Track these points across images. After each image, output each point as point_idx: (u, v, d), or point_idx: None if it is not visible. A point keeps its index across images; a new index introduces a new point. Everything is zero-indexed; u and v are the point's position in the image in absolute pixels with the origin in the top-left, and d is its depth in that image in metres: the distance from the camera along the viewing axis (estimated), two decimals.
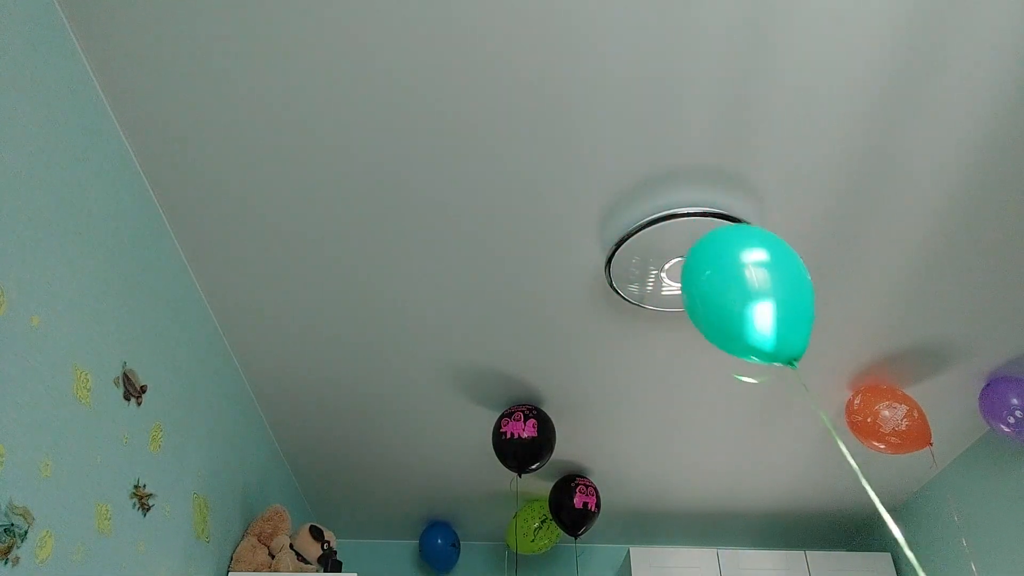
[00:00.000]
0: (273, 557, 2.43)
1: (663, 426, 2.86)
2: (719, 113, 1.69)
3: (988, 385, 2.55)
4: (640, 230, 1.92)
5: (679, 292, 2.13)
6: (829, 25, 1.53)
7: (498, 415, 2.77)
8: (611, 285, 2.11)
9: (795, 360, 1.42)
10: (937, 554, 3.14)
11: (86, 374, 1.58)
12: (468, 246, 2.06)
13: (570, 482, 3.08)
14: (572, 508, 3.01)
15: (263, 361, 2.50)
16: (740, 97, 1.66)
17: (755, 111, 1.69)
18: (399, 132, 1.74)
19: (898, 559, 3.40)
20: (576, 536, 3.05)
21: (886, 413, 2.45)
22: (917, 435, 2.43)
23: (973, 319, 2.31)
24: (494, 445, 2.64)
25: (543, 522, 3.31)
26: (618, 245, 1.97)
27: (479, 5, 1.49)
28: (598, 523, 3.60)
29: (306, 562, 2.49)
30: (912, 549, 3.31)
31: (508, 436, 2.59)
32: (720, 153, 1.78)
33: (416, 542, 3.73)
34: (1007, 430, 2.46)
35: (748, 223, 1.91)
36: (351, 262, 2.10)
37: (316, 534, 2.52)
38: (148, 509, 1.85)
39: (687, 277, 1.60)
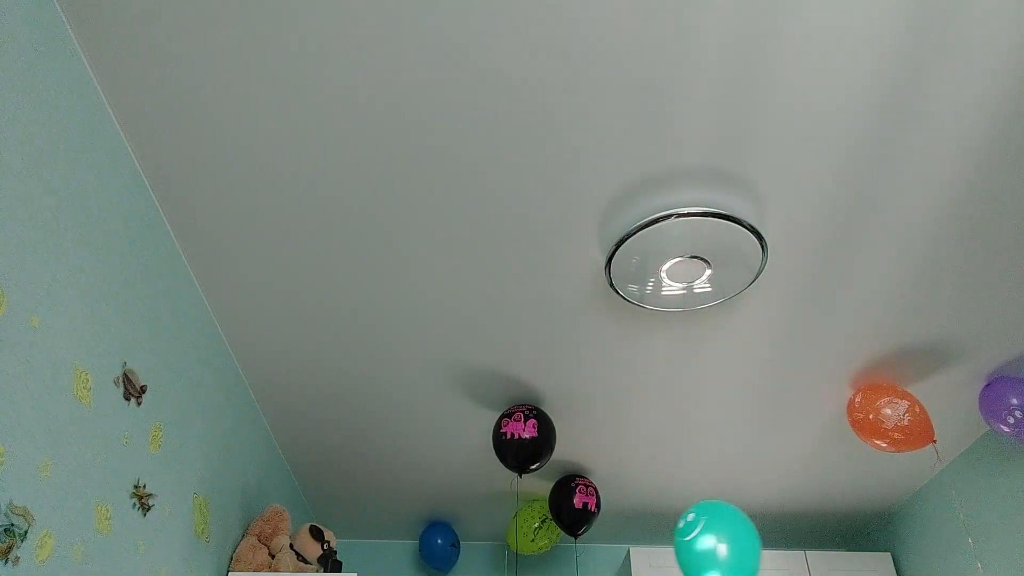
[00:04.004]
0: (273, 557, 2.43)
1: (663, 426, 2.86)
2: (719, 113, 1.69)
3: (988, 385, 2.55)
4: (640, 230, 1.92)
5: (679, 292, 2.13)
6: (830, 25, 1.53)
7: (498, 415, 2.77)
8: (611, 285, 2.11)
9: None
10: (941, 553, 3.14)
11: (86, 374, 1.58)
12: (468, 247, 2.06)
13: (570, 482, 3.08)
14: (572, 508, 3.01)
15: (263, 361, 2.50)
16: (740, 97, 1.66)
17: (755, 111, 1.69)
18: (399, 134, 1.74)
19: (898, 559, 3.39)
20: (576, 536, 3.05)
21: (887, 411, 2.45)
22: (920, 431, 2.43)
23: (973, 319, 2.31)
24: (494, 445, 2.64)
25: (543, 522, 3.31)
26: (618, 245, 1.97)
27: (483, 10, 1.49)
28: (598, 523, 3.60)
29: (306, 562, 2.49)
30: (915, 548, 3.31)
31: (508, 436, 2.59)
32: (720, 153, 1.78)
33: (416, 542, 3.73)
34: (1007, 430, 2.46)
35: (748, 222, 1.91)
36: (352, 264, 2.11)
37: (316, 534, 2.52)
38: (148, 509, 1.85)
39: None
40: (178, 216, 1.96)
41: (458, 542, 3.54)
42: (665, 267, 2.04)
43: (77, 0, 1.49)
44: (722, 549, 2.05)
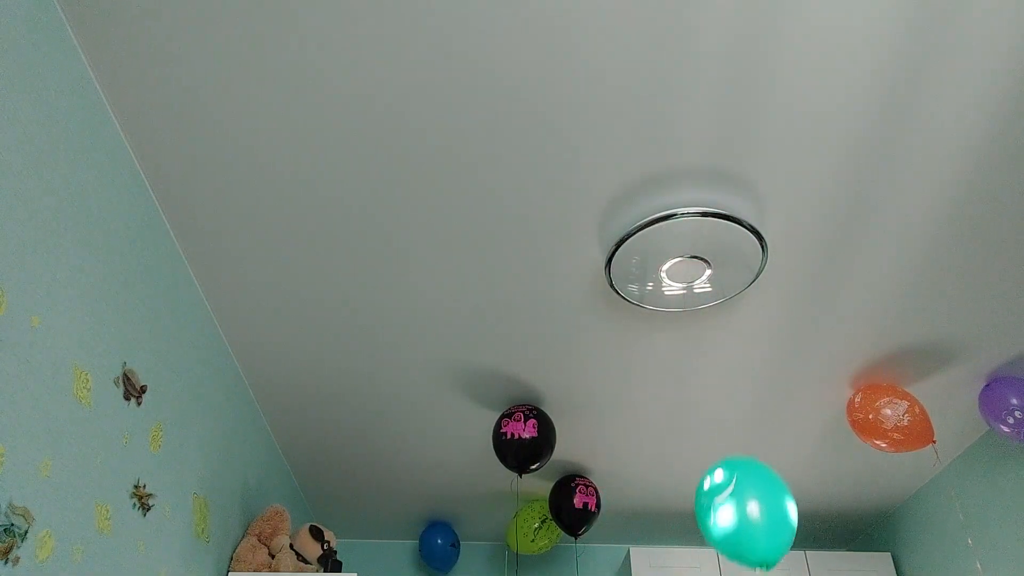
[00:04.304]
0: (273, 557, 2.43)
1: (663, 426, 2.86)
2: (719, 113, 1.69)
3: (988, 385, 2.55)
4: (640, 230, 1.92)
5: (679, 292, 2.13)
6: (830, 25, 1.53)
7: (498, 415, 2.77)
8: (611, 285, 2.11)
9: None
10: (941, 553, 3.14)
11: (86, 374, 1.58)
12: (468, 247, 2.06)
13: (570, 482, 3.08)
14: (572, 508, 3.01)
15: (263, 361, 2.50)
16: (740, 97, 1.66)
17: (755, 111, 1.69)
18: (399, 134, 1.74)
19: (898, 559, 3.39)
20: (576, 536, 3.05)
21: (887, 411, 2.45)
22: (919, 431, 2.43)
23: (973, 319, 2.31)
24: (494, 445, 2.64)
25: (543, 522, 3.31)
26: (618, 245, 1.97)
27: (483, 10, 1.49)
28: (598, 523, 3.60)
29: (306, 562, 2.49)
30: (915, 548, 3.31)
31: (508, 436, 2.59)
32: (720, 153, 1.78)
33: (416, 542, 3.73)
34: (1007, 430, 2.45)
35: (748, 222, 1.91)
36: (352, 264, 2.11)
37: (316, 534, 2.52)
38: (148, 509, 1.85)
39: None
40: (178, 216, 1.96)
41: (458, 542, 3.54)
42: (665, 267, 2.04)
43: (77, 0, 1.49)
44: (753, 508, 1.87)
